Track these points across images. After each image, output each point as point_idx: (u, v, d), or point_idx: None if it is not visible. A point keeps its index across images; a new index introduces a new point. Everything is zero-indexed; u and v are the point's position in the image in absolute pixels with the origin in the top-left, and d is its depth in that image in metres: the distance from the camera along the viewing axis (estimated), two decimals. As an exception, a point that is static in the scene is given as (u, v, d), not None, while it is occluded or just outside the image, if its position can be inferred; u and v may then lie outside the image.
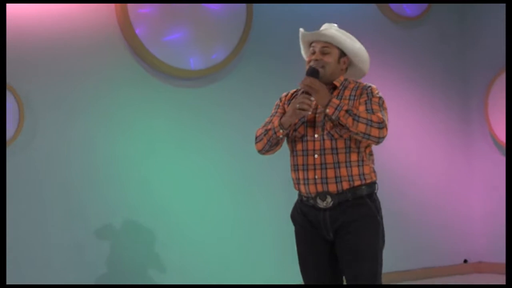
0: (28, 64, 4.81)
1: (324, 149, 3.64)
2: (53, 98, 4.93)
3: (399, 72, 6.48)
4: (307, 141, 3.67)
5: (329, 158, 3.64)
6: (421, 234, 6.45)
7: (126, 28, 5.09)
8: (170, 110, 5.35)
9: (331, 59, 3.72)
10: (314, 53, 3.74)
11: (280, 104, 3.82)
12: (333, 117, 3.55)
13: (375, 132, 3.55)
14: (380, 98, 3.69)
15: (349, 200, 3.64)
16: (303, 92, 3.63)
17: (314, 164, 3.65)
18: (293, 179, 3.74)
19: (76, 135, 5.01)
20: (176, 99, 5.36)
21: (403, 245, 6.19)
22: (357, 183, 3.65)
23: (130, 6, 5.07)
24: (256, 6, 5.55)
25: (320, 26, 3.83)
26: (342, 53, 3.75)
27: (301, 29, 3.77)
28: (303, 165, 3.67)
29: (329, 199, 3.62)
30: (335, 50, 3.73)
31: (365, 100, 3.64)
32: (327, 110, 3.54)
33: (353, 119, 3.55)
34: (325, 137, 3.64)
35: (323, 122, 3.65)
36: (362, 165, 3.67)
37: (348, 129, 3.57)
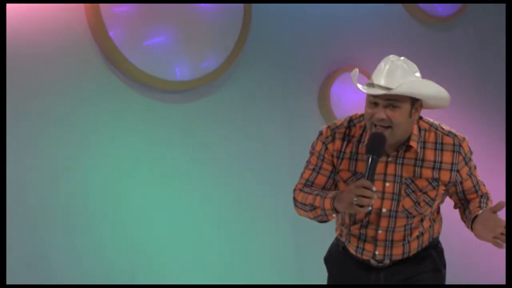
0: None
1: (394, 227, 3.23)
2: (8, 114, 4.52)
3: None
4: (369, 213, 3.20)
5: (399, 236, 3.24)
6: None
7: (97, 29, 4.74)
8: (151, 129, 4.98)
9: (401, 117, 3.10)
10: (375, 104, 3.11)
11: (326, 156, 3.25)
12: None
13: None
14: (472, 154, 3.28)
15: (410, 256, 3.30)
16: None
17: (376, 240, 3.25)
18: (337, 231, 3.37)
19: (38, 161, 4.60)
20: (158, 116, 5.01)
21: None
22: (425, 244, 3.32)
23: (102, 3, 4.74)
24: (256, 5, 5.27)
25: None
26: (415, 100, 3.14)
27: (354, 79, 3.18)
28: (359, 235, 3.26)
29: (387, 261, 3.27)
30: (406, 101, 3.11)
31: (467, 173, 3.25)
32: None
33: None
34: (400, 214, 3.21)
35: (398, 195, 3.18)
36: (433, 226, 3.32)
37: None
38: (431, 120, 3.25)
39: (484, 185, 3.31)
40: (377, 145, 3.04)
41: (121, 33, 4.78)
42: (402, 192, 3.13)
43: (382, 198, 3.15)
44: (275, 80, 5.38)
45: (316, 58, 5.46)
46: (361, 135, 3.19)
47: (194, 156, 5.11)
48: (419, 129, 3.18)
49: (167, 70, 4.93)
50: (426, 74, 5.99)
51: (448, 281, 4.44)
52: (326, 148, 3.23)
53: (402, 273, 3.25)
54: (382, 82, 3.10)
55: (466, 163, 3.19)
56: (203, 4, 5.05)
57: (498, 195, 6.22)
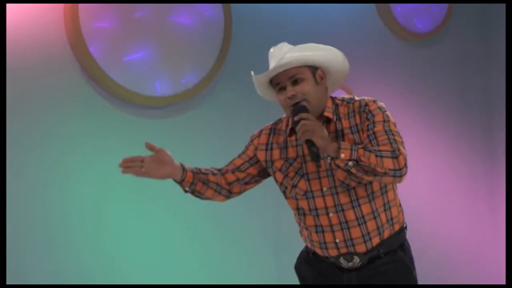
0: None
1: (341, 205, 3.18)
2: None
3: (409, 101, 6.09)
4: (313, 197, 3.22)
5: (350, 215, 3.18)
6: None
7: (77, 45, 4.67)
8: (131, 146, 4.66)
9: (308, 85, 3.18)
10: (283, 88, 3.22)
11: (250, 147, 3.47)
12: (351, 162, 3.01)
13: (388, 163, 3.03)
14: (383, 113, 3.17)
15: (381, 257, 3.23)
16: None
17: (331, 225, 3.20)
18: (302, 235, 3.35)
19: (17, 177, 4.47)
20: (138, 132, 4.91)
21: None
22: (386, 234, 3.22)
23: (82, 19, 4.66)
24: (236, 19, 5.20)
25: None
26: (313, 68, 3.21)
27: (253, 73, 3.34)
28: (315, 226, 3.24)
29: (356, 259, 3.21)
30: (305, 71, 3.20)
31: (367, 125, 3.18)
32: (342, 155, 3.01)
33: (376, 155, 3.03)
34: (338, 189, 3.18)
35: (331, 171, 3.19)
36: (390, 208, 3.24)
37: (373, 170, 3.01)
38: (346, 96, 3.30)
39: (388, 144, 3.13)
40: (300, 112, 3.11)
41: (101, 49, 4.72)
42: (332, 165, 3.12)
43: (319, 178, 3.17)
44: (256, 95, 5.19)
45: (297, 73, 5.45)
46: (287, 125, 3.30)
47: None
48: (333, 103, 3.23)
49: (148, 85, 4.88)
50: (406, 91, 6.03)
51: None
52: (251, 142, 3.43)
53: (373, 278, 3.21)
54: (272, 65, 3.22)
55: (368, 118, 3.15)
56: (183, 20, 4.99)
57: (487, 240, 6.23)
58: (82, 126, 4.72)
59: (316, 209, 3.18)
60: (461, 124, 6.25)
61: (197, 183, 3.31)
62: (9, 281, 4.27)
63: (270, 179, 3.50)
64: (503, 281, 6.11)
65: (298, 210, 3.25)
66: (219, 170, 3.41)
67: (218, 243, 5.11)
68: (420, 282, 5.06)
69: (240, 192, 3.42)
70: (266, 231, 5.19)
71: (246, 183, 3.39)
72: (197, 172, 3.33)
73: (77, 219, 4.66)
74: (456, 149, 6.23)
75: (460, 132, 6.23)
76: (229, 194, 3.38)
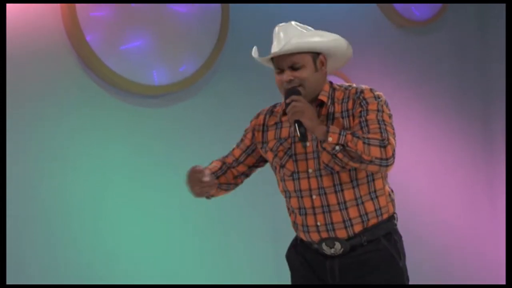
0: None
1: (324, 188, 3.18)
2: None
3: (406, 90, 6.05)
4: (299, 178, 3.22)
5: (332, 199, 3.18)
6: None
7: (74, 34, 4.65)
8: (128, 135, 4.88)
9: (307, 72, 3.18)
10: (281, 71, 3.23)
11: (248, 132, 3.47)
12: (338, 147, 3.01)
13: (375, 151, 3.02)
14: (378, 102, 3.15)
15: (364, 245, 3.20)
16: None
17: (313, 208, 3.20)
18: (291, 221, 3.35)
19: (13, 174, 4.43)
20: (136, 121, 4.91)
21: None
22: (372, 222, 3.20)
23: (79, 8, 4.64)
24: (234, 8, 5.18)
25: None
26: (315, 54, 3.21)
27: (254, 52, 3.34)
28: (299, 208, 3.24)
29: (338, 246, 3.20)
30: (307, 57, 3.19)
31: (360, 112, 3.16)
32: (329, 139, 3.02)
33: (364, 142, 3.02)
34: (322, 172, 3.17)
35: (317, 153, 3.19)
36: (377, 197, 3.21)
37: (359, 157, 3.01)
38: (346, 83, 3.30)
39: (378, 133, 3.10)
40: (293, 95, 3.11)
41: (98, 38, 4.69)
42: (319, 147, 3.12)
43: (306, 159, 3.18)
44: (254, 84, 5.29)
45: (294, 62, 5.42)
46: (282, 107, 3.31)
47: (172, 161, 4.98)
48: (330, 87, 3.24)
49: (145, 74, 4.85)
50: (403, 79, 6.01)
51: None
52: (250, 124, 3.45)
53: (355, 266, 3.18)
54: (275, 48, 3.23)
55: (361, 105, 3.15)
56: (180, 8, 4.97)
57: (486, 228, 6.22)
58: (79, 115, 4.69)
59: (300, 190, 3.19)
60: (459, 113, 6.22)
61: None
62: (9, 281, 4.26)
63: (271, 177, 3.49)
64: (503, 273, 6.05)
65: (285, 192, 3.27)
66: (224, 163, 3.43)
67: (218, 241, 5.10)
68: (419, 272, 5.08)
69: (247, 177, 3.49)
70: (266, 229, 5.18)
71: (248, 174, 3.46)
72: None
73: (75, 210, 4.65)
74: (454, 138, 6.21)
75: (458, 121, 6.21)
76: (237, 185, 3.46)
